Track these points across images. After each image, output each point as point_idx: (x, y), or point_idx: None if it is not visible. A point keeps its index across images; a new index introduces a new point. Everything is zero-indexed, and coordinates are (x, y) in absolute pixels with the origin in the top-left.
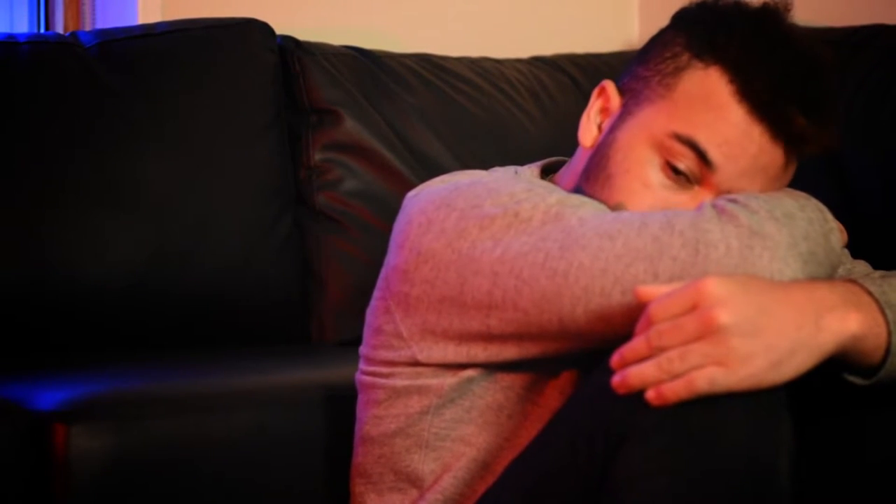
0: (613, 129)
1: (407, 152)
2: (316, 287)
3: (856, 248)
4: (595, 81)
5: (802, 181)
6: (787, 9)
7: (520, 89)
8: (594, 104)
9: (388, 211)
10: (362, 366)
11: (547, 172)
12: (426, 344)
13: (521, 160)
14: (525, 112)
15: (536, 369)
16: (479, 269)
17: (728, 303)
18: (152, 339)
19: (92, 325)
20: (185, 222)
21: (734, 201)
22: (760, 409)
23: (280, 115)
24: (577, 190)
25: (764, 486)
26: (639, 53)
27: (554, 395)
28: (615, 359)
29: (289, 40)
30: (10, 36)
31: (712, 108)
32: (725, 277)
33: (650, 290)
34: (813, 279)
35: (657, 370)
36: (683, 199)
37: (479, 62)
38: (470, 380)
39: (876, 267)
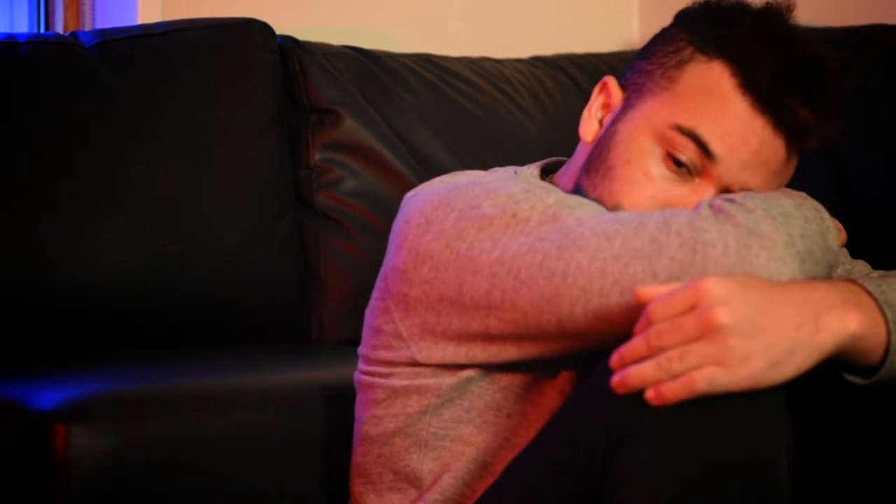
0: (615, 121)
1: (407, 152)
2: (316, 287)
3: (855, 247)
4: (595, 81)
5: (802, 181)
6: (790, 9)
7: (520, 89)
8: (596, 100)
9: (388, 211)
10: (361, 366)
11: (547, 172)
12: (425, 344)
13: (521, 160)
14: (525, 112)
15: (535, 370)
16: (478, 270)
17: (727, 302)
18: (152, 339)
19: (92, 325)
20: (185, 222)
21: (731, 201)
22: (760, 408)
23: (280, 115)
24: (578, 186)
25: (764, 486)
26: (641, 50)
27: (553, 395)
28: (614, 359)
29: (289, 40)
30: (10, 36)
31: (715, 101)
32: (724, 277)
33: (649, 290)
34: (812, 279)
35: (656, 370)
36: (684, 192)
37: (479, 62)
38: (469, 380)
39: (875, 267)
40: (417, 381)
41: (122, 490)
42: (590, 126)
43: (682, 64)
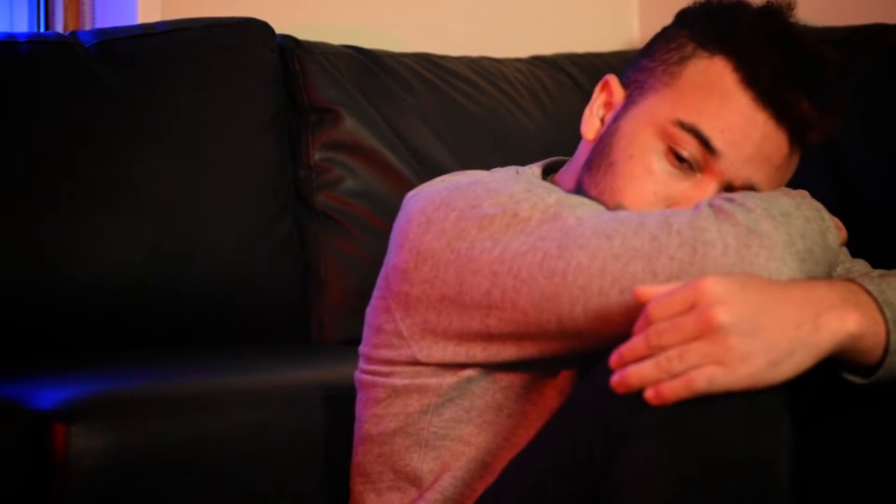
0: (617, 118)
1: (407, 152)
2: (316, 287)
3: (855, 247)
4: (595, 81)
5: (802, 181)
6: (791, 7)
7: (520, 89)
8: (597, 98)
9: (388, 210)
10: (362, 365)
11: (548, 172)
12: (426, 343)
13: (521, 160)
14: (525, 112)
15: (535, 369)
16: (478, 269)
17: (727, 302)
18: (152, 339)
19: (92, 325)
20: (185, 222)
21: (731, 200)
22: (760, 408)
23: (280, 115)
24: (579, 184)
25: (764, 486)
26: (643, 49)
27: (553, 394)
28: (614, 358)
29: (289, 40)
30: (10, 36)
31: (716, 96)
32: (724, 276)
33: (649, 290)
34: (811, 278)
35: (656, 369)
36: (686, 187)
37: (479, 62)
38: (469, 379)
39: (875, 266)
40: (418, 381)
41: (122, 490)
42: (591, 124)
43: (683, 60)
